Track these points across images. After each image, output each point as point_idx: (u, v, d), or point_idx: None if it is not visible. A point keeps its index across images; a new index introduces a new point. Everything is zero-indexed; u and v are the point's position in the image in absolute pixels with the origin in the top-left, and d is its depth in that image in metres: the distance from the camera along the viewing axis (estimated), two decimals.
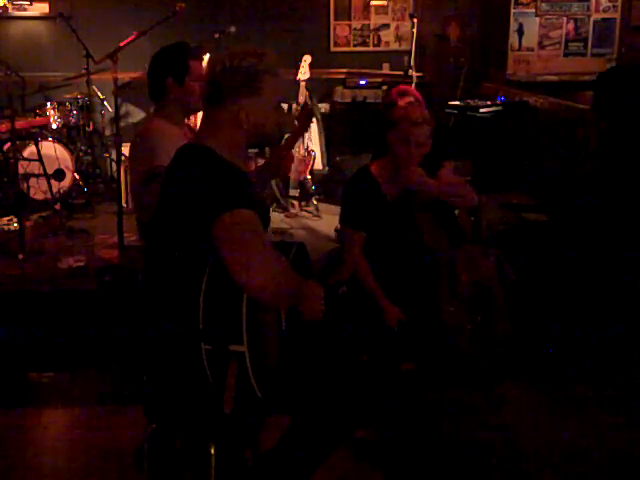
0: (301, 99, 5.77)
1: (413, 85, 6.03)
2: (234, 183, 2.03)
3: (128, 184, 5.61)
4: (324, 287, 2.13)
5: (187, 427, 2.20)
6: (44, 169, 5.38)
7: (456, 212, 3.35)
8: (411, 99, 3.87)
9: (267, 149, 5.82)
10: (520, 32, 7.28)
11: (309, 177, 5.73)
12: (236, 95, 2.08)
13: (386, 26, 7.45)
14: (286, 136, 6.11)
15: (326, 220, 5.55)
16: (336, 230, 2.70)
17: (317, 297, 2.09)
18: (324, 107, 6.71)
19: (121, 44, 4.18)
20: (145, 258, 2.32)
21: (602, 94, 4.94)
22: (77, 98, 6.46)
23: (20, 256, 4.61)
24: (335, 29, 7.42)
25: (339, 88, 7.04)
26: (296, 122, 5.13)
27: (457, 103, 6.13)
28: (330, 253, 2.47)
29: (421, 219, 3.14)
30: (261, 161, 5.62)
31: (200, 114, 2.49)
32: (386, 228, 3.10)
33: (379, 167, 3.15)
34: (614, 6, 7.27)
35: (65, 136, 6.29)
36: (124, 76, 5.45)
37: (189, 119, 3.12)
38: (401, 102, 3.81)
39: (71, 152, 6.01)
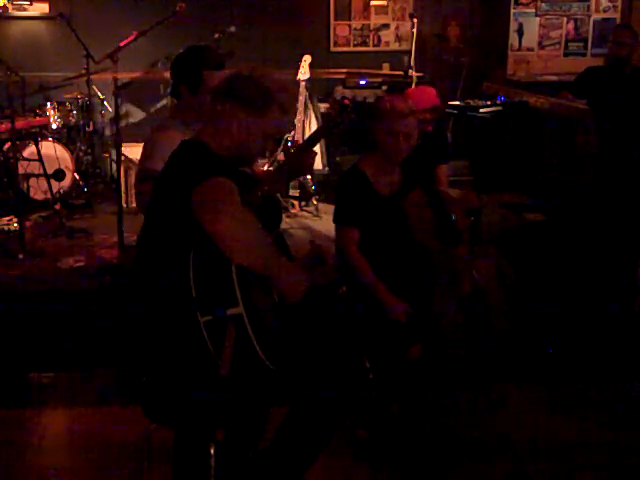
0: (301, 99, 5.76)
1: (413, 85, 6.04)
2: (214, 163, 2.10)
3: (128, 184, 5.64)
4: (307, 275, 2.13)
5: (188, 426, 2.20)
6: (44, 169, 5.38)
7: (454, 220, 3.34)
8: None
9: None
10: (520, 32, 7.29)
11: (309, 177, 5.72)
12: (241, 104, 2.16)
13: (386, 26, 7.44)
14: (286, 136, 6.11)
15: (326, 220, 5.54)
16: (310, 242, 2.69)
17: (295, 277, 2.08)
18: (324, 107, 6.71)
19: (121, 44, 4.18)
20: (137, 250, 2.35)
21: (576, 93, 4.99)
22: (77, 98, 6.45)
23: (20, 256, 4.62)
24: (335, 29, 7.42)
25: (339, 88, 7.03)
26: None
27: (457, 103, 6.13)
28: (310, 253, 2.46)
29: (414, 217, 3.13)
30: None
31: None
32: (380, 224, 3.08)
33: (369, 163, 3.15)
34: (614, 6, 7.29)
35: (65, 136, 6.28)
36: (124, 76, 5.44)
37: None
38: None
39: (71, 152, 6.01)
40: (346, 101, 2.79)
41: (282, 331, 2.11)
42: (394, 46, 7.46)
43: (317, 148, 6.00)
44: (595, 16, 7.31)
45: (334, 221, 3.14)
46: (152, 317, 2.14)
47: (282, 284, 2.07)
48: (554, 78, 6.98)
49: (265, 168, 5.82)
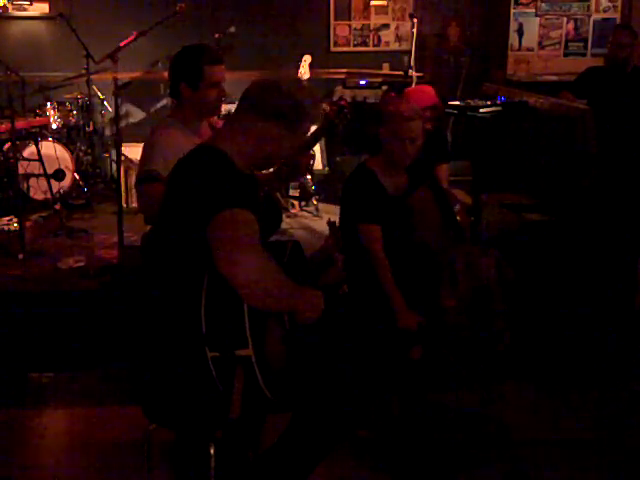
0: None
1: (414, 84, 6.04)
2: (233, 183, 2.03)
3: (128, 184, 5.64)
4: (322, 291, 2.12)
5: (187, 427, 2.20)
6: (44, 169, 5.38)
7: (456, 210, 3.34)
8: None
9: None
10: (520, 32, 7.29)
11: (309, 177, 5.72)
12: (274, 118, 2.08)
13: (386, 26, 7.44)
14: None
15: (326, 220, 5.54)
16: (329, 223, 2.64)
17: (312, 303, 2.06)
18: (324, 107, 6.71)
19: (121, 44, 4.18)
20: (145, 260, 2.31)
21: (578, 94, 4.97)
22: (77, 98, 6.45)
23: (20, 256, 4.62)
24: (335, 29, 7.41)
25: (339, 88, 7.03)
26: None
27: (457, 103, 6.12)
28: (316, 254, 2.44)
29: (419, 215, 3.13)
30: None
31: None
32: (388, 223, 3.08)
33: (375, 163, 3.15)
34: (614, 6, 7.29)
35: (65, 136, 6.28)
36: (124, 76, 5.43)
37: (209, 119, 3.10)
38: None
39: (71, 152, 6.01)
40: (343, 102, 2.79)
41: (290, 364, 2.08)
42: (394, 46, 7.46)
43: (317, 148, 6.05)
44: (595, 16, 7.31)
45: (354, 221, 3.04)
46: (157, 336, 2.12)
47: (297, 316, 2.06)
48: (554, 78, 6.98)
49: None
